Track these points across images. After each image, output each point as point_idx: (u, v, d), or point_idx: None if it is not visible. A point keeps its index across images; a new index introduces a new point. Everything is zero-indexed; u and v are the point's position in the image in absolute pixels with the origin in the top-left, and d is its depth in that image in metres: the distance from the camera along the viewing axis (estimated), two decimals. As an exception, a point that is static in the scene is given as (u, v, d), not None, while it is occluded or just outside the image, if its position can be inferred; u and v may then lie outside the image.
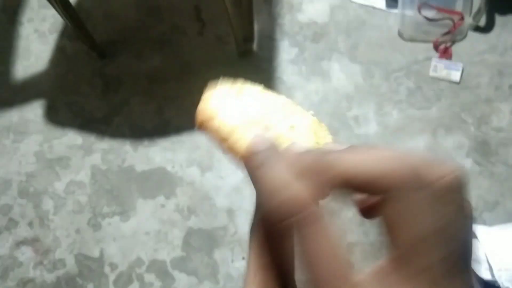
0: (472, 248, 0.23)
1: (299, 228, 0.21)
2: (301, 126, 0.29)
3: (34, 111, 1.29)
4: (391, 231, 0.21)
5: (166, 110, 1.27)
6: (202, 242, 1.14)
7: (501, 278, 0.57)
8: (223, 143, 0.28)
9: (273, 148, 0.25)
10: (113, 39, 1.35)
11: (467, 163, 1.17)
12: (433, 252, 0.20)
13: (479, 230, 0.64)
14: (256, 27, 1.30)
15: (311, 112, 0.31)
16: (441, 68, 1.25)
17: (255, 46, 1.30)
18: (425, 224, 0.20)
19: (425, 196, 0.21)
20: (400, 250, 0.21)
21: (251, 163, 0.25)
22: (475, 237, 0.65)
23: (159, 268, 1.13)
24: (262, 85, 0.31)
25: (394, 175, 0.21)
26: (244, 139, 0.27)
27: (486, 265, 0.60)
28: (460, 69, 1.24)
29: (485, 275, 0.60)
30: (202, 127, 0.29)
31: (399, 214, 0.21)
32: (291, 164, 0.23)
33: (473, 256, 0.60)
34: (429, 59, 1.26)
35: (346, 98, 1.24)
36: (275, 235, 0.24)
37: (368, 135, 1.21)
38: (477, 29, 1.29)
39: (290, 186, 0.22)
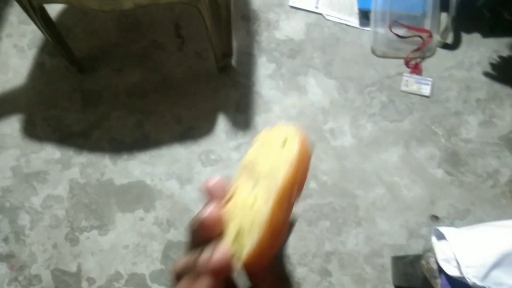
0: None
1: None
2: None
3: (11, 125, 1.28)
4: None
5: (146, 124, 1.28)
6: (182, 254, 1.14)
7: (468, 274, 0.60)
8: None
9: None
10: (93, 55, 1.36)
11: (439, 173, 1.21)
12: None
13: (448, 231, 0.67)
14: (234, 43, 1.34)
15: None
16: (412, 83, 1.31)
17: (233, 61, 1.34)
18: None
19: None
20: None
21: None
22: (444, 238, 0.68)
23: (138, 282, 1.12)
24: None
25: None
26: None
27: (455, 263, 0.63)
28: (430, 83, 1.30)
29: (454, 272, 0.62)
30: None
31: None
32: None
33: (443, 256, 0.62)
34: (400, 74, 1.32)
35: (322, 112, 1.28)
36: None
37: (343, 147, 1.24)
38: (445, 46, 1.36)
39: None
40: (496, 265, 0.60)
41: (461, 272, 0.61)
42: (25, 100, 1.31)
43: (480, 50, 1.35)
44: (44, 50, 1.37)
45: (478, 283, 0.59)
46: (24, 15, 1.11)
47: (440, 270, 0.65)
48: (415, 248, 1.14)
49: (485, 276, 0.59)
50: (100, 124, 1.28)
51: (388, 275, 1.12)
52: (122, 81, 1.33)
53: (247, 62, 1.34)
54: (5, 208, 1.19)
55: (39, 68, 1.35)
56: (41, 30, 1.16)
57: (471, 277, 0.59)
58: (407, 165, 1.22)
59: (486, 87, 1.31)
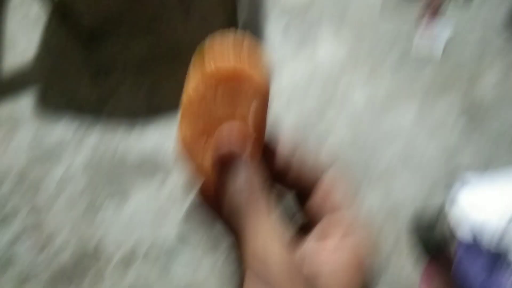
0: None
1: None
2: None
3: (25, 103, 1.28)
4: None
5: (158, 94, 1.27)
6: (203, 217, 1.15)
7: (483, 238, 0.59)
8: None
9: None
10: (100, 24, 1.34)
11: (458, 127, 1.18)
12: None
13: (463, 194, 0.65)
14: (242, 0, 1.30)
15: None
16: (429, 33, 1.26)
17: (242, 21, 1.30)
18: None
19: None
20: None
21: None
22: (457, 203, 0.66)
23: (161, 246, 1.14)
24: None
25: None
26: None
27: (469, 227, 0.62)
28: (449, 32, 1.25)
29: (468, 236, 0.61)
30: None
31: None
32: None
33: (457, 220, 0.61)
34: (417, 25, 1.27)
35: (336, 68, 1.25)
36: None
37: (359, 103, 1.21)
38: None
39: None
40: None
41: (475, 236, 0.60)
42: (37, 73, 1.31)
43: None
44: (52, 22, 1.35)
45: (493, 246, 0.58)
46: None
47: (455, 233, 0.64)
48: (434, 205, 1.12)
49: (500, 240, 0.58)
50: (111, 95, 1.27)
51: (407, 233, 1.11)
52: (131, 51, 1.31)
53: (256, 20, 1.31)
54: (25, 184, 1.21)
55: (47, 42, 1.34)
56: (47, 2, 1.14)
57: (486, 240, 0.58)
58: (425, 120, 1.19)
59: (509, 33, 1.25)
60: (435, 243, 0.84)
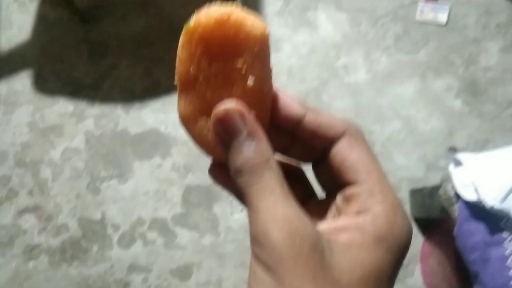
0: None
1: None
2: None
3: (22, 81, 1.28)
4: (348, 171, 0.25)
5: (155, 72, 1.26)
6: (201, 197, 1.17)
7: (486, 198, 0.59)
8: None
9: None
10: (95, 3, 1.32)
11: (457, 104, 1.18)
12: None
13: (466, 157, 0.66)
14: (239, -20, 1.28)
15: None
16: (427, 11, 1.24)
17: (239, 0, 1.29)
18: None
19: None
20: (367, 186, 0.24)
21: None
22: (461, 164, 0.67)
23: (160, 226, 1.16)
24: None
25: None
26: None
27: (472, 188, 0.62)
28: (447, 10, 1.24)
29: (472, 197, 0.62)
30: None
31: (357, 154, 0.25)
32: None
33: (460, 182, 0.61)
34: (415, 2, 1.25)
35: (334, 47, 1.24)
36: None
37: (357, 82, 1.21)
38: (463, -32, 1.27)
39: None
40: (516, 187, 0.59)
41: (479, 196, 0.60)
42: (32, 55, 1.30)
43: (501, -30, 1.27)
44: (45, 2, 1.33)
45: (496, 206, 0.59)
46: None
47: (458, 196, 0.65)
48: (433, 181, 1.13)
49: (504, 199, 0.59)
50: (109, 74, 1.27)
51: (406, 208, 1.13)
52: (127, 29, 1.30)
53: (253, 0, 1.29)
54: (26, 163, 1.22)
55: (42, 21, 1.32)
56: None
57: (488, 200, 0.59)
58: (424, 98, 1.19)
59: (507, 10, 1.24)
60: (437, 210, 0.85)
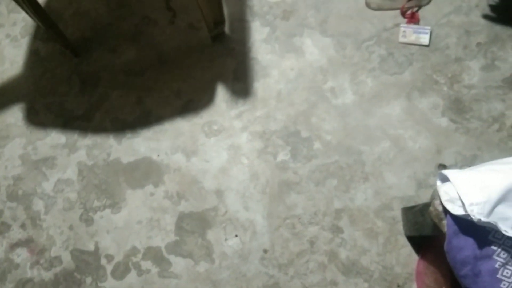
0: None
1: None
2: None
3: (15, 115, 1.29)
4: None
5: (146, 101, 1.28)
6: (194, 224, 1.16)
7: (473, 212, 0.60)
8: None
9: None
10: (86, 36, 1.35)
11: (443, 122, 1.20)
12: None
13: (451, 173, 0.67)
14: (226, 10, 1.32)
15: None
16: (410, 33, 1.28)
17: (227, 29, 1.32)
18: None
19: None
20: None
21: None
22: (448, 180, 0.68)
23: (154, 255, 1.15)
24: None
25: None
26: None
27: (459, 203, 0.63)
28: (428, 32, 1.27)
29: (458, 211, 0.63)
30: None
31: None
32: None
33: (447, 197, 0.63)
34: (397, 25, 1.29)
35: (321, 71, 1.27)
36: None
37: (345, 104, 1.23)
38: (441, -8, 1.32)
39: None
40: (501, 200, 0.60)
41: (465, 210, 0.61)
42: (25, 88, 1.32)
43: (478, -8, 1.32)
44: (37, 37, 1.36)
45: (483, 219, 0.60)
46: (13, 4, 1.10)
47: (446, 211, 0.66)
48: (424, 198, 1.15)
49: (490, 212, 0.60)
50: (100, 105, 1.28)
51: (399, 227, 1.13)
52: (117, 60, 1.32)
53: (240, 29, 1.33)
54: (19, 196, 1.22)
55: (34, 56, 1.35)
56: (31, 17, 1.16)
57: (476, 214, 0.60)
58: (411, 117, 1.21)
59: (486, 30, 1.28)
60: (429, 227, 0.85)
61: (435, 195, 0.75)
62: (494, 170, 0.65)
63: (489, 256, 0.61)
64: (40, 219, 1.20)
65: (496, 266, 0.60)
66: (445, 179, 0.70)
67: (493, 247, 0.61)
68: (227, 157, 1.20)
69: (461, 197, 0.62)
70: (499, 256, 0.61)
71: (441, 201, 0.66)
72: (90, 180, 1.22)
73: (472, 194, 0.61)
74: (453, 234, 0.63)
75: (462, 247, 0.62)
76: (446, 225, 0.65)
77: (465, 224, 0.63)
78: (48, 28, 1.20)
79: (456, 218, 0.64)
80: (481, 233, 0.62)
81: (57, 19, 1.32)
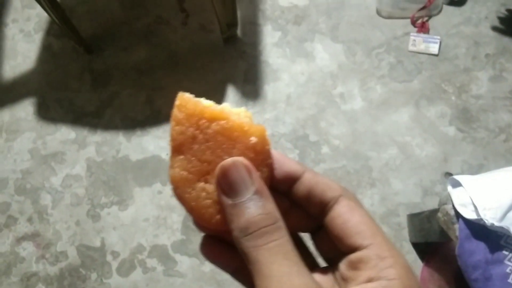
0: None
1: None
2: None
3: (25, 109, 1.30)
4: (349, 235, 0.23)
5: (156, 100, 1.29)
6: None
7: (486, 216, 0.61)
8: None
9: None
10: (99, 34, 1.37)
11: (451, 131, 1.22)
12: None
13: (464, 178, 0.68)
14: (238, 13, 1.34)
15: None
16: (419, 42, 1.30)
17: (239, 32, 1.33)
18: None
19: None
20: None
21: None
22: (460, 185, 0.69)
23: (160, 253, 1.15)
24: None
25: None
26: None
27: (472, 207, 0.64)
28: (438, 42, 1.29)
29: (471, 215, 0.64)
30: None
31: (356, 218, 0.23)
32: None
33: (460, 202, 0.63)
34: (407, 34, 1.31)
35: (331, 77, 1.28)
36: None
37: (354, 110, 1.25)
38: (452, 3, 1.34)
39: None
40: (513, 206, 0.61)
41: (478, 215, 0.62)
42: (36, 83, 1.33)
43: (487, 4, 1.33)
44: (50, 33, 1.37)
45: (496, 223, 0.61)
46: (28, -2, 1.11)
47: (458, 215, 0.67)
48: (430, 206, 1.15)
49: (503, 217, 0.61)
50: (111, 102, 1.29)
51: (405, 233, 1.14)
52: (129, 59, 1.33)
53: (252, 32, 1.34)
54: (27, 190, 1.23)
55: (47, 51, 1.36)
56: (47, 12, 1.17)
57: (489, 218, 0.61)
58: (419, 125, 1.23)
59: (495, 41, 1.30)
60: (435, 234, 0.86)
61: (445, 200, 0.76)
62: (506, 176, 0.66)
63: (501, 261, 0.62)
64: (47, 213, 1.20)
65: (507, 270, 0.61)
66: (456, 185, 0.71)
67: (505, 252, 0.62)
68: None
69: (474, 202, 0.63)
70: (511, 261, 0.62)
71: (453, 205, 0.67)
72: (98, 177, 1.23)
73: (485, 199, 0.62)
74: (465, 238, 0.64)
75: (473, 251, 0.63)
76: (458, 229, 0.66)
77: (478, 229, 0.64)
78: (63, 24, 1.21)
79: (468, 222, 0.65)
80: (493, 238, 0.63)
81: (71, 15, 1.33)
